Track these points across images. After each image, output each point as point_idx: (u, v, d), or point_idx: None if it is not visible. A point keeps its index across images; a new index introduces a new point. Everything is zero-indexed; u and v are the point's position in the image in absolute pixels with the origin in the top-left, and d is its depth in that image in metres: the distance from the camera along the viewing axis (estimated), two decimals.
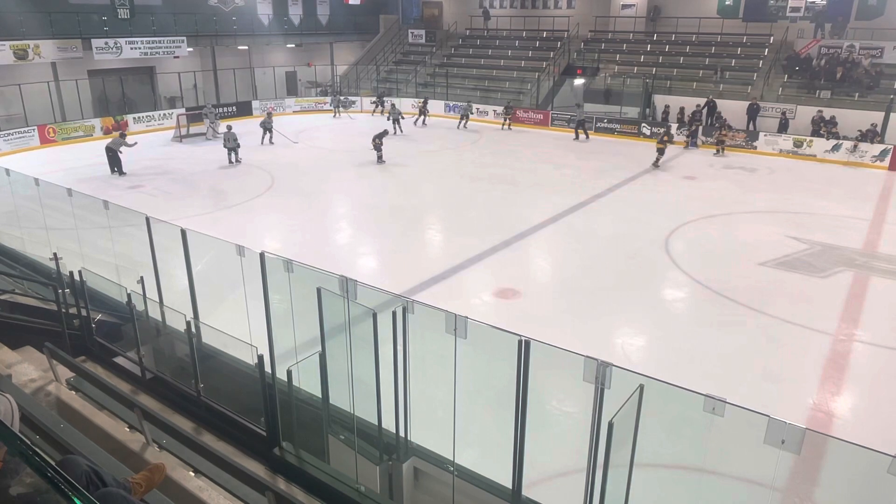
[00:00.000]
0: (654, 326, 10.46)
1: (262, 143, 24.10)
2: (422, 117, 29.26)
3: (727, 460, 5.77)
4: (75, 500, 1.88)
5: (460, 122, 28.89)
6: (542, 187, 18.68)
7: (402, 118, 26.72)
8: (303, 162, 22.12)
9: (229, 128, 21.90)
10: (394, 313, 4.90)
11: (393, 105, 27.36)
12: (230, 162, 21.38)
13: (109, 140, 20.04)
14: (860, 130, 21.86)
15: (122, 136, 20.49)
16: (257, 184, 18.91)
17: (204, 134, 25.94)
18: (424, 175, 20.39)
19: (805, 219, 15.83)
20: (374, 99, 32.13)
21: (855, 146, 21.62)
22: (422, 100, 30.06)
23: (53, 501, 1.94)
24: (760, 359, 9.31)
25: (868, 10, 26.17)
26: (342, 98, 32.44)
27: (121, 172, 19.64)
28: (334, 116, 31.48)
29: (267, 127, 24.41)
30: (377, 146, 21.26)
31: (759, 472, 5.11)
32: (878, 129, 21.87)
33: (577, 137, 26.24)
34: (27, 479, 2.23)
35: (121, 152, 19.70)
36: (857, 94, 23.85)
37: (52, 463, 2.22)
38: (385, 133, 21.76)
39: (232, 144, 21.31)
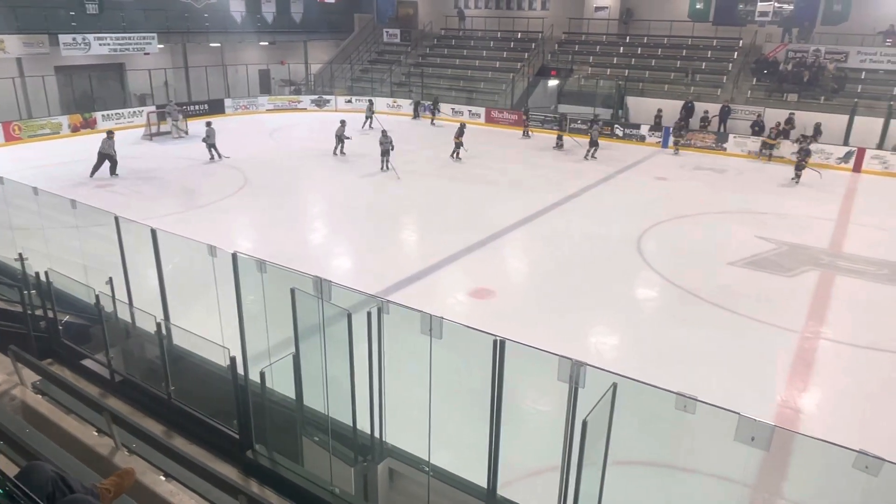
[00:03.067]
0: (627, 325, 10.58)
1: (362, 127, 26.41)
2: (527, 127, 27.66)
3: (698, 457, 5.86)
4: None
5: (433, 119, 29.48)
6: (517, 187, 18.77)
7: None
8: (276, 160, 21.92)
9: (208, 124, 21.62)
10: (368, 314, 4.88)
11: (383, 132, 21.14)
12: (211, 158, 21.22)
13: (100, 145, 18.98)
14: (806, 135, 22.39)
15: (110, 135, 19.43)
16: (230, 183, 18.68)
17: (170, 133, 25.54)
18: (400, 174, 20.33)
19: (773, 219, 16.15)
20: (429, 103, 30.08)
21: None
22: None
23: None
24: (729, 356, 9.47)
25: (833, 15, 26.83)
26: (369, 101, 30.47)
27: (113, 173, 19.02)
28: (367, 125, 27.86)
29: (368, 114, 26.49)
30: (458, 144, 22.01)
31: (730, 468, 5.21)
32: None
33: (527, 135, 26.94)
34: None
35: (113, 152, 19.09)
36: (822, 98, 24.42)
37: (10, 477, 2.16)
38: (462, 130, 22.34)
39: (212, 140, 21.11)
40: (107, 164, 18.92)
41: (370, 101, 29.90)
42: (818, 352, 9.73)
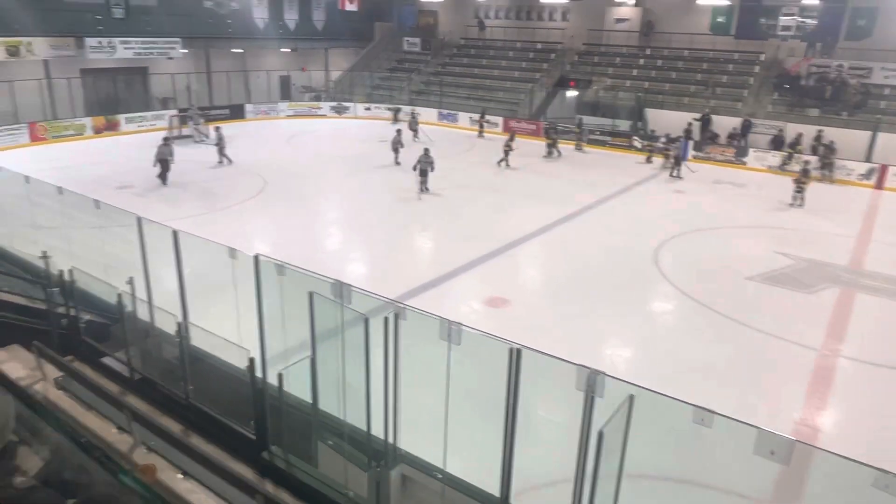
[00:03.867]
0: (642, 338, 10.51)
1: (413, 139, 25.52)
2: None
3: (714, 472, 5.81)
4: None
5: (480, 132, 28.94)
6: (533, 197, 18.76)
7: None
8: (294, 166, 22.12)
9: (217, 129, 22.03)
10: (386, 319, 4.90)
11: (426, 150, 19.01)
12: (225, 162, 21.60)
13: (157, 152, 18.95)
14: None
15: (167, 141, 19.43)
16: (249, 187, 18.86)
17: (191, 136, 25.88)
18: (416, 182, 20.39)
19: (792, 234, 16.00)
20: (477, 117, 29.47)
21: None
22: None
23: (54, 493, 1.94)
24: (746, 372, 9.39)
25: (857, 30, 26.59)
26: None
27: (164, 181, 19.00)
28: (415, 137, 26.61)
29: (413, 127, 26.35)
30: (507, 151, 22.48)
31: (746, 484, 5.16)
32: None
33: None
34: (30, 471, 2.22)
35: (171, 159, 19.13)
36: (844, 114, 24.18)
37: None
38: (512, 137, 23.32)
39: (222, 145, 21.58)
40: (157, 167, 18.96)
41: (414, 111, 29.26)
42: (837, 370, 9.61)
